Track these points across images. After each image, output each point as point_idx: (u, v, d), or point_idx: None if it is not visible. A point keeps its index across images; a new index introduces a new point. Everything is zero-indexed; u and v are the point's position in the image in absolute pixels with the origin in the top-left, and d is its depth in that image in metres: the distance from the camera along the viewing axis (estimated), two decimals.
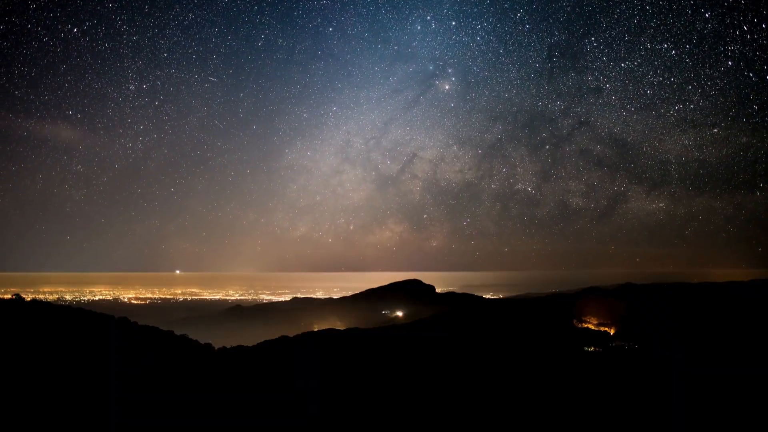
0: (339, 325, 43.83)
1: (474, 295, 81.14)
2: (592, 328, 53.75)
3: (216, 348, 27.55)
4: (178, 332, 28.56)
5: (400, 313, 71.80)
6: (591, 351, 40.05)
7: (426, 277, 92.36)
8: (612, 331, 51.78)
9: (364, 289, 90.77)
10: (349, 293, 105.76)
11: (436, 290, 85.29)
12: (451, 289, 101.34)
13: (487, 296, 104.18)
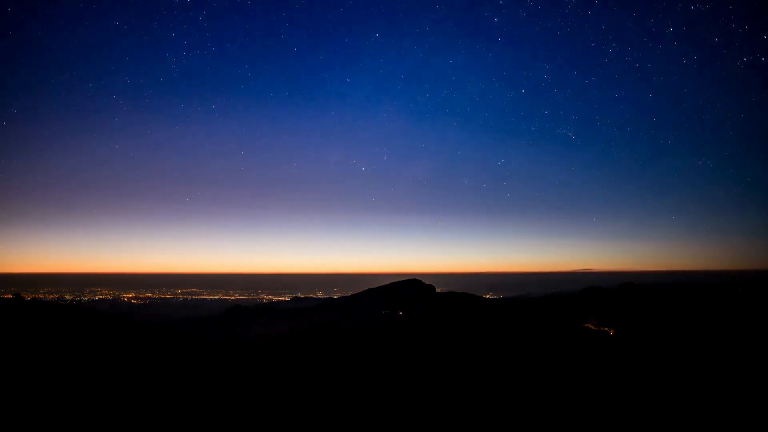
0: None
1: (474, 295, 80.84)
2: (592, 328, 53.68)
3: (216, 348, 27.58)
4: (177, 332, 28.60)
5: (400, 314, 71.73)
6: (591, 351, 39.99)
7: (426, 277, 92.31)
8: (612, 332, 51.73)
9: (364, 289, 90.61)
10: (350, 293, 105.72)
11: (436, 290, 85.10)
12: (451, 289, 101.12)
13: (487, 296, 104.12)
